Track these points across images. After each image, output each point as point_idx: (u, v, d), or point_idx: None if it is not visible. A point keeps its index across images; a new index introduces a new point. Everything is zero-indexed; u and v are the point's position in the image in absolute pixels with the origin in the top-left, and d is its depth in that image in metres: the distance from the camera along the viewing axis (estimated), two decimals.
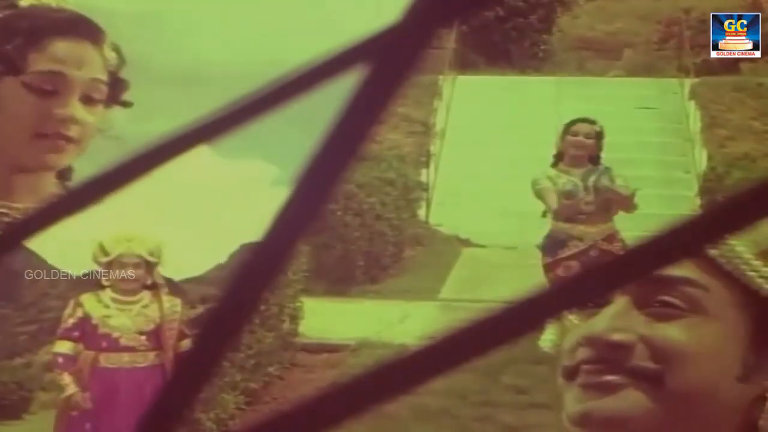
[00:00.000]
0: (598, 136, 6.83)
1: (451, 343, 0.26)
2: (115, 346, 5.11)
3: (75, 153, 1.70)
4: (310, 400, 0.26)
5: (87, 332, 5.11)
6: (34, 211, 0.31)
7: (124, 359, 5.11)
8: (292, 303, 7.70)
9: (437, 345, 0.26)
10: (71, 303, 5.18)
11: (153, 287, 5.25)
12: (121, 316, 5.13)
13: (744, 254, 0.97)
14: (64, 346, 5.11)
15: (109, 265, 5.14)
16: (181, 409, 0.27)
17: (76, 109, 1.68)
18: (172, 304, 5.23)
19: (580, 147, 6.74)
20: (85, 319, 5.10)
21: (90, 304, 5.13)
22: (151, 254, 5.19)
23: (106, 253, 5.13)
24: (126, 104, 1.80)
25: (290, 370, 7.65)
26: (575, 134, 6.72)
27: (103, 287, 5.17)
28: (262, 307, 6.44)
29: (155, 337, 5.15)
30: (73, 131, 1.68)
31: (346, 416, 0.26)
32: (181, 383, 0.27)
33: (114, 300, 5.15)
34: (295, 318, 7.79)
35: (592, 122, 6.86)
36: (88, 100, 1.70)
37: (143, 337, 5.14)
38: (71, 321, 5.13)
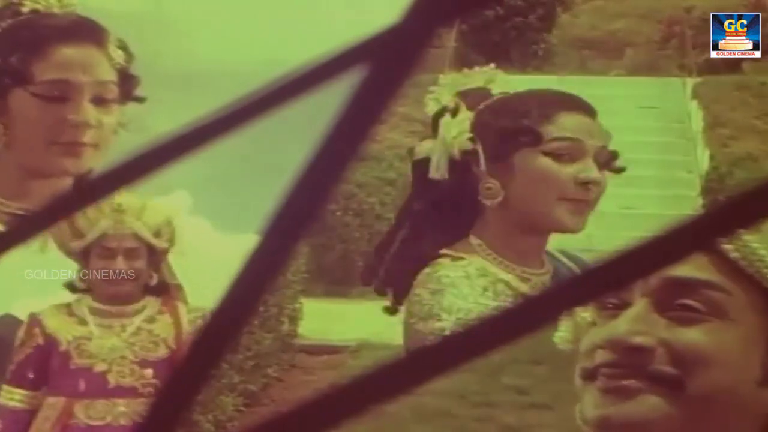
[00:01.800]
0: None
1: (451, 343, 0.26)
2: (99, 388, 2.75)
3: (95, 156, 1.70)
4: (310, 402, 0.26)
5: (52, 367, 2.77)
6: (30, 214, 0.31)
7: (118, 409, 2.74)
8: (291, 304, 7.69)
9: (437, 346, 0.26)
10: (25, 322, 2.77)
11: (162, 290, 2.81)
12: (109, 337, 2.79)
13: (766, 257, 0.96)
14: (10, 396, 2.76)
15: (86, 254, 2.69)
16: (180, 410, 0.27)
17: (89, 112, 1.68)
18: (195, 316, 2.87)
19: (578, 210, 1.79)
20: (48, 345, 2.76)
21: (56, 321, 2.78)
22: (157, 234, 2.74)
23: (79, 234, 2.67)
24: (139, 99, 1.80)
25: (289, 372, 7.64)
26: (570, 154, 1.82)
27: (76, 291, 2.78)
28: (261, 309, 6.44)
29: (169, 371, 2.33)
30: (88, 135, 1.68)
31: (346, 418, 0.26)
32: (179, 385, 0.27)
33: (95, 312, 2.77)
34: (294, 319, 7.79)
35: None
36: (100, 102, 1.70)
37: (148, 371, 2.80)
38: (25, 352, 2.78)
